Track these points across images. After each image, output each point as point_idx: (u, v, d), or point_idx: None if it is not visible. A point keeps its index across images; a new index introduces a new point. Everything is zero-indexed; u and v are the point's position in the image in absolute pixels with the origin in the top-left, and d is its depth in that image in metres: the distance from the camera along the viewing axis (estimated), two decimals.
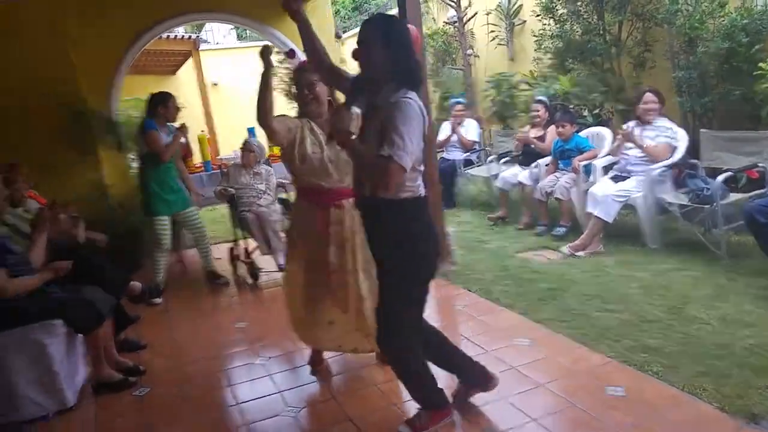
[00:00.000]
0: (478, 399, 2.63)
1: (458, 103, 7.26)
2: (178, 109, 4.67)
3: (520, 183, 5.81)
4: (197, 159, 8.09)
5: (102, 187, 5.58)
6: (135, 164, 5.42)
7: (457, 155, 7.09)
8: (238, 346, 3.61)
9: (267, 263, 4.82)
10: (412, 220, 2.23)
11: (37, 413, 2.85)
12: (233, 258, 5.11)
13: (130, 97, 7.55)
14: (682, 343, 2.98)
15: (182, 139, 4.75)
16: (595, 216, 4.63)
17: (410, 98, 2.08)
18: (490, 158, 6.74)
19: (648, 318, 3.32)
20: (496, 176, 6.29)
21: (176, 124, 4.70)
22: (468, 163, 7.10)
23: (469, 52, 8.98)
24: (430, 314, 3.65)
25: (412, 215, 2.24)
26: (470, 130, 7.16)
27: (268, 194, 4.97)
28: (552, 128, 5.76)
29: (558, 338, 3.24)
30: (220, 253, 5.46)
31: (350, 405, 2.75)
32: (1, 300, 2.80)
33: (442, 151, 7.35)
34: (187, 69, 11.67)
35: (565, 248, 4.77)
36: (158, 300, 4.53)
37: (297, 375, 3.15)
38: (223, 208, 5.20)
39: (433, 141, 4.54)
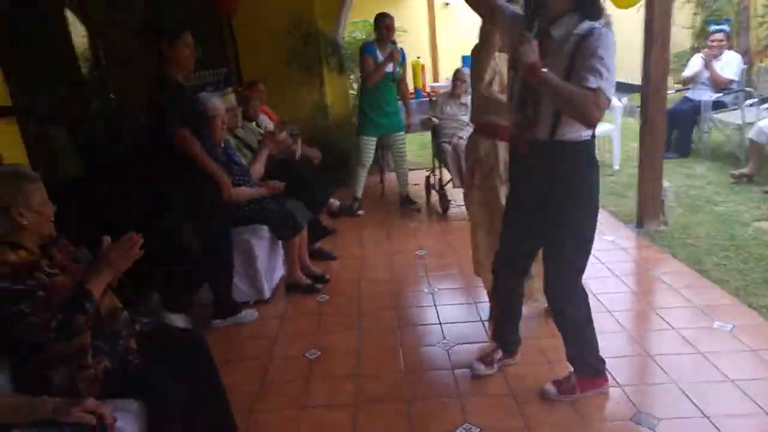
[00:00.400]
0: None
1: (719, 31, 6.06)
2: (389, 30, 4.75)
3: None
4: (410, 85, 8.21)
5: (323, 107, 5.96)
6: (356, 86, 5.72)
7: (705, 95, 6.01)
8: (416, 273, 3.75)
9: (458, 196, 4.84)
10: (591, 163, 2.08)
11: (241, 298, 3.39)
12: (428, 186, 5.22)
13: (359, 19, 7.88)
14: None
15: (391, 65, 4.78)
16: None
17: (608, 28, 1.91)
18: (749, 102, 5.59)
19: None
20: (751, 125, 5.23)
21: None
22: (719, 105, 5.99)
23: None
24: (622, 277, 3.40)
25: (591, 158, 2.08)
26: (729, 65, 5.97)
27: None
28: None
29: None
30: (418, 179, 5.62)
31: None
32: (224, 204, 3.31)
33: (687, 89, 6.34)
34: None
35: None
36: (360, 212, 4.95)
37: (460, 311, 3.19)
38: (429, 136, 5.27)
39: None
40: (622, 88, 9.91)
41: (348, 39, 6.62)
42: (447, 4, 11.62)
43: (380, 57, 4.72)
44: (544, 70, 1.86)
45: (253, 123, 4.66)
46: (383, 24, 4.70)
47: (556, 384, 2.35)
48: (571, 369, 2.36)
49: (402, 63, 4.93)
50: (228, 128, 3.85)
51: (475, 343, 2.83)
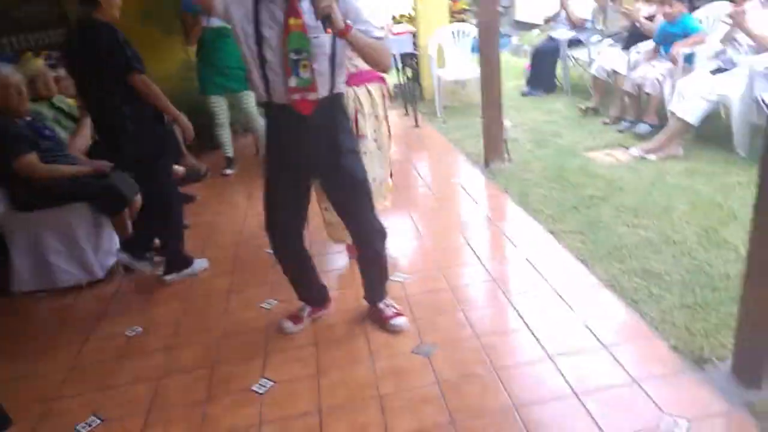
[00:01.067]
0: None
1: None
2: None
3: (613, 71, 4.98)
4: None
5: (192, 65, 5.35)
6: None
7: (563, 34, 6.20)
8: (262, 234, 3.72)
9: None
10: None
11: (71, 281, 3.30)
12: None
13: None
14: (689, 270, 2.61)
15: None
16: (677, 116, 3.86)
17: None
18: (594, 38, 5.82)
19: (673, 239, 2.90)
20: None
21: None
22: (576, 43, 6.20)
23: None
24: (445, 212, 3.60)
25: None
26: (583, 4, 6.16)
27: None
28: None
29: (559, 254, 2.95)
30: None
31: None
32: (34, 183, 3.16)
33: (548, 28, 6.52)
34: None
35: (636, 149, 4.11)
36: (228, 171, 4.93)
37: None
38: None
39: None
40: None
41: None
42: None
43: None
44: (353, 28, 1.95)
45: None
46: None
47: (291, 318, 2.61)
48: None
49: None
50: (42, 97, 3.65)
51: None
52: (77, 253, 3.28)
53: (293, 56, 1.97)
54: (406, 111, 6.03)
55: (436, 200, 3.95)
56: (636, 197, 3.44)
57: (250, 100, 4.84)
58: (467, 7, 7.25)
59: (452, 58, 6.17)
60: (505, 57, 8.66)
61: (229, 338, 2.65)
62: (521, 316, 2.47)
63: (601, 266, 2.74)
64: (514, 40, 9.21)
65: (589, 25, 6.17)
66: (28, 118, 3.25)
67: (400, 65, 5.88)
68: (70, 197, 3.25)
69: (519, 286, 2.72)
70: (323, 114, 2.10)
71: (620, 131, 4.68)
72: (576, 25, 6.15)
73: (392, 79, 5.92)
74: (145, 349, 2.65)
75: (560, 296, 2.57)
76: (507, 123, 4.26)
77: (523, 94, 6.37)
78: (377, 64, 2.13)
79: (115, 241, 3.47)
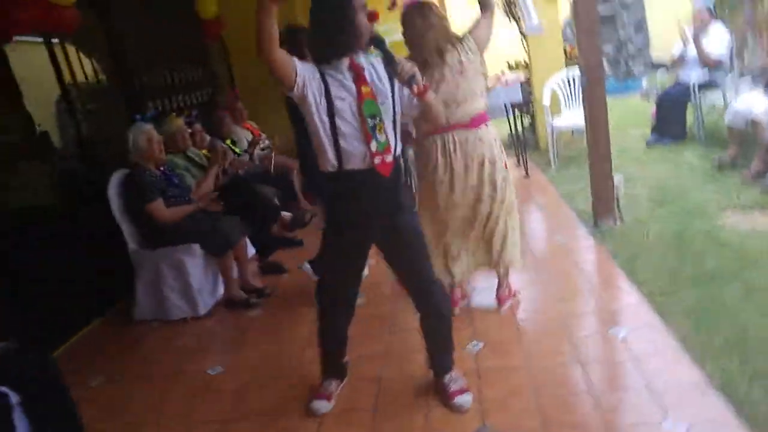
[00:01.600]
0: None
1: (700, 6, 5.71)
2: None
3: (754, 117, 4.44)
4: None
5: None
6: None
7: (693, 76, 5.68)
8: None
9: None
10: None
11: (179, 314, 3.62)
12: None
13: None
14: None
15: None
16: None
17: None
18: (731, 78, 5.28)
19: None
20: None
21: None
22: (710, 84, 5.65)
23: None
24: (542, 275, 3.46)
25: None
26: (716, 40, 5.59)
27: None
28: None
29: (663, 339, 2.58)
30: None
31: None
32: (159, 224, 3.54)
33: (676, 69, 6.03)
34: None
35: None
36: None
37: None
38: None
39: None
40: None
41: None
42: None
43: None
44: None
45: (228, 140, 4.91)
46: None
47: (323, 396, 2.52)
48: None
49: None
50: (179, 150, 4.09)
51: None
52: (187, 290, 3.58)
53: (370, 122, 2.06)
54: (518, 161, 5.87)
55: (534, 260, 3.74)
56: None
57: None
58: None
59: (567, 105, 5.94)
60: (635, 102, 8.20)
61: (296, 389, 2.69)
62: (602, 412, 2.18)
63: (714, 361, 2.31)
64: (645, 83, 8.66)
65: (724, 63, 5.60)
66: (162, 168, 3.66)
67: (511, 114, 5.76)
68: (185, 237, 3.59)
69: (606, 373, 2.46)
70: (395, 175, 2.17)
71: (765, 189, 4.12)
72: (708, 64, 5.60)
73: (504, 128, 5.85)
74: (220, 389, 2.81)
75: (653, 392, 2.21)
76: (619, 179, 3.96)
77: (649, 144, 5.90)
78: (438, 119, 2.29)
79: (220, 283, 3.73)
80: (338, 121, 2.05)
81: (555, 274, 3.51)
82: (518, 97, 5.61)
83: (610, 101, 3.98)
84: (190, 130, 4.31)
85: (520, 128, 5.82)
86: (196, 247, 3.58)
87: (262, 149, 5.21)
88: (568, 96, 5.99)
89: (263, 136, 5.55)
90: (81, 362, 3.30)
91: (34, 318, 3.34)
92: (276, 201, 4.49)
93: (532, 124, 6.82)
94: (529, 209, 4.82)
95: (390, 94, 2.12)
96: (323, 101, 2.04)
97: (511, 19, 7.41)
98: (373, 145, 2.07)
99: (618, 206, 4.01)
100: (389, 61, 2.05)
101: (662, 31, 8.45)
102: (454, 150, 2.79)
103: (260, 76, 5.23)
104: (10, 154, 4.13)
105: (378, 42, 2.10)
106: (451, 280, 3.04)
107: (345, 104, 2.04)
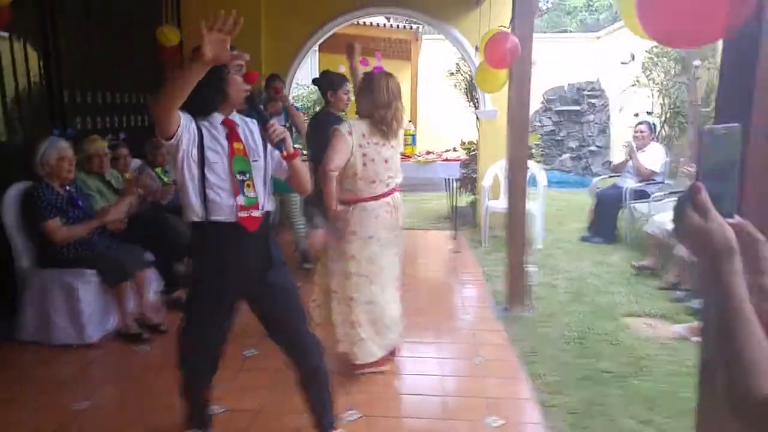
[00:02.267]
0: None
1: (643, 122, 6.14)
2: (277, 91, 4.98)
3: (670, 230, 4.65)
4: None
5: None
6: None
7: (629, 183, 5.98)
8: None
9: None
10: None
11: (64, 339, 3.40)
12: None
13: None
14: None
15: None
16: None
17: None
18: (656, 193, 5.56)
19: None
20: None
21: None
22: (642, 194, 5.94)
23: (696, 62, 7.40)
24: (431, 351, 3.45)
25: None
26: (652, 156, 5.96)
27: None
28: None
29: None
30: None
31: None
32: (51, 244, 3.37)
33: (618, 175, 6.34)
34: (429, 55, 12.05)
35: (682, 327, 3.70)
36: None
37: None
38: None
39: None
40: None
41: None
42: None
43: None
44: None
45: (159, 169, 4.80)
46: (272, 85, 4.92)
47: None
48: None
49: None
50: (95, 171, 3.96)
51: None
52: (75, 315, 3.39)
53: (239, 177, 2.11)
54: (454, 235, 5.95)
55: (434, 332, 3.74)
56: (659, 385, 2.99)
57: (297, 199, 4.98)
58: (538, 143, 7.25)
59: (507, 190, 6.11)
60: (582, 197, 8.52)
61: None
62: None
63: None
64: (596, 180, 9.04)
65: (658, 178, 5.92)
66: (68, 187, 3.52)
67: (450, 188, 5.90)
68: (80, 261, 3.43)
69: None
70: (263, 230, 2.20)
71: (673, 300, 4.26)
72: (642, 175, 5.92)
73: (443, 201, 5.97)
74: (81, 427, 2.62)
75: None
76: (532, 269, 4.04)
77: (583, 239, 6.11)
78: (304, 184, 2.28)
79: (112, 314, 3.56)
80: (207, 172, 2.07)
81: (450, 352, 3.50)
82: (456, 173, 5.77)
83: (563, 193, 4.12)
84: (113, 154, 4.19)
85: (456, 203, 5.94)
86: (91, 273, 3.42)
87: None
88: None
89: None
90: None
91: None
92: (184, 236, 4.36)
93: (474, 203, 6.97)
94: (449, 283, 4.84)
95: (263, 154, 2.19)
96: (194, 151, 2.05)
97: (470, 101, 7.73)
98: (240, 199, 2.10)
99: (530, 295, 4.07)
100: (261, 122, 2.13)
101: (622, 136, 8.94)
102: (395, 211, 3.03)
103: None
104: None
105: (252, 102, 2.18)
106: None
107: (217, 157, 2.08)
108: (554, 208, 8.03)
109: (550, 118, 11.70)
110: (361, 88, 3.06)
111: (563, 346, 3.50)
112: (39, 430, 2.60)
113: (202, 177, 2.07)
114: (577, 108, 11.27)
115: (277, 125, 2.10)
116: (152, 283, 3.86)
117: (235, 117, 2.18)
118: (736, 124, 0.92)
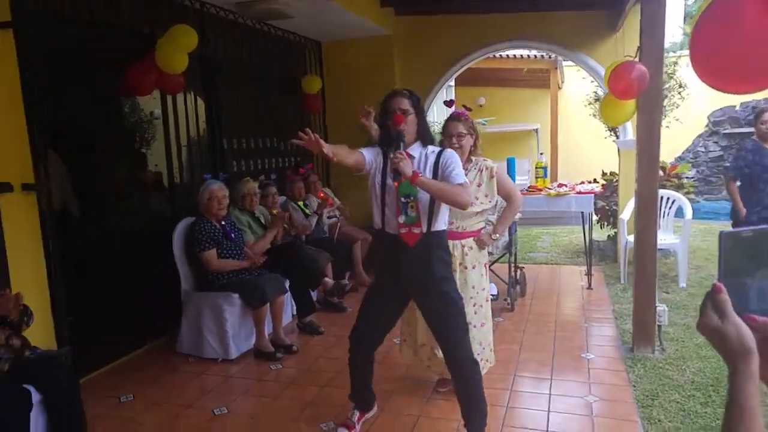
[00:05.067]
0: None
1: None
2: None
3: None
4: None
5: None
6: None
7: None
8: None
9: None
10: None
11: (212, 354, 3.96)
12: None
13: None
14: None
15: None
16: None
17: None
18: None
19: None
20: None
21: None
22: None
23: None
24: (543, 388, 3.43)
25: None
26: None
27: None
28: None
29: None
30: None
31: None
32: (207, 271, 3.97)
33: None
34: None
35: None
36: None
37: None
38: None
39: None
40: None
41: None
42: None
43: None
44: (422, 175, 2.45)
45: (300, 203, 5.37)
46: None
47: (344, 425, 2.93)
48: None
49: None
50: (246, 208, 4.55)
51: None
52: (222, 333, 3.92)
53: (403, 200, 2.56)
54: (588, 270, 5.73)
55: (552, 369, 3.67)
56: None
57: None
58: (689, 174, 6.72)
59: None
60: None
61: None
62: None
63: None
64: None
65: None
66: (223, 222, 4.11)
67: (586, 223, 5.71)
68: (228, 286, 3.97)
69: None
70: (423, 245, 2.57)
71: None
72: None
73: (580, 235, 5.75)
74: (222, 429, 3.07)
75: None
76: (662, 307, 3.79)
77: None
78: (452, 203, 2.53)
79: (252, 334, 4.05)
80: (387, 194, 2.59)
81: (565, 389, 3.41)
82: (590, 207, 5.57)
83: (725, 226, 3.88)
84: (263, 192, 4.76)
85: (590, 238, 5.73)
86: (235, 297, 3.94)
87: (329, 217, 5.60)
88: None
89: (336, 204, 5.95)
90: (122, 379, 3.72)
91: (99, 329, 3.89)
92: (324, 266, 4.78)
93: (614, 237, 6.64)
94: (576, 321, 4.69)
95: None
96: (379, 176, 2.61)
97: (610, 130, 7.42)
98: (402, 218, 2.56)
99: (659, 335, 3.82)
100: (396, 148, 2.49)
101: None
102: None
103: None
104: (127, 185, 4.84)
105: (398, 138, 2.53)
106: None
107: (392, 182, 2.53)
108: (709, 242, 7.34)
109: (716, 142, 10.68)
110: None
111: (690, 392, 3.25)
112: (185, 426, 3.08)
113: (383, 197, 2.60)
114: (751, 130, 10.12)
115: (399, 156, 2.41)
116: (286, 309, 4.30)
117: (415, 149, 2.60)
118: (765, 227, 0.87)
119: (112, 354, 4.01)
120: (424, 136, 2.65)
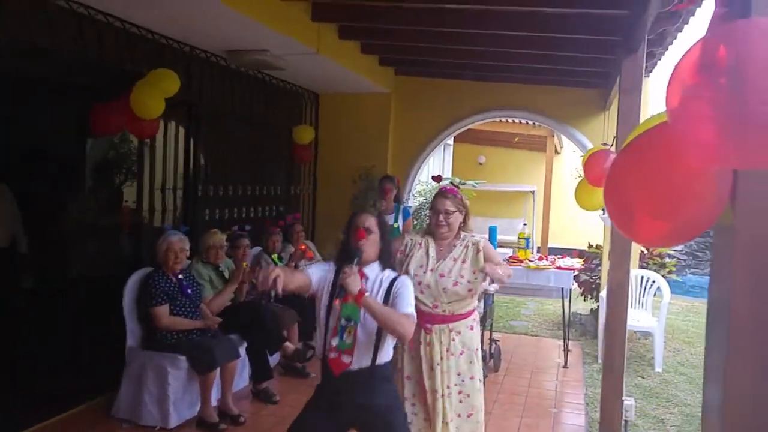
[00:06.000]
0: None
1: None
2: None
3: None
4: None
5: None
6: None
7: None
8: None
9: None
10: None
11: (150, 422, 3.68)
12: None
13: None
14: None
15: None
16: None
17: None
18: None
19: None
20: None
21: None
22: None
23: None
24: None
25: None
26: None
27: None
28: None
29: None
30: None
31: None
32: (156, 328, 3.77)
33: None
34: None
35: None
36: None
37: None
38: None
39: None
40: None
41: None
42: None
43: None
44: (368, 295, 2.28)
45: (275, 255, 5.21)
46: (382, 186, 5.14)
47: None
48: None
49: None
50: (212, 262, 4.38)
51: None
52: (163, 398, 3.68)
53: (343, 322, 2.33)
54: (565, 347, 5.52)
55: None
56: None
57: None
58: (670, 252, 6.58)
59: (633, 304, 5.57)
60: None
61: None
62: None
63: None
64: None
65: None
66: (180, 276, 3.94)
67: (567, 298, 5.53)
68: (175, 347, 3.75)
69: None
70: (359, 380, 2.34)
71: None
72: None
73: (556, 308, 5.57)
74: None
75: None
76: (629, 401, 3.57)
77: None
78: (392, 331, 2.32)
79: (197, 402, 3.81)
80: (331, 317, 2.39)
81: None
82: (568, 284, 5.42)
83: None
84: (234, 244, 4.60)
85: (568, 314, 5.55)
86: (183, 359, 3.71)
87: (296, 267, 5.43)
88: (636, 296, 5.68)
89: (316, 258, 5.79)
90: None
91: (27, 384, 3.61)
92: (288, 327, 4.57)
93: (597, 311, 6.44)
94: (543, 405, 4.45)
95: None
96: (326, 297, 2.42)
97: None
98: (335, 341, 2.32)
99: (626, 428, 3.59)
100: (350, 262, 2.34)
101: None
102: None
103: (339, 203, 5.63)
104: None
105: (354, 254, 2.40)
106: None
107: (338, 303, 2.34)
108: (690, 323, 7.12)
109: None
110: None
111: None
112: None
113: (327, 320, 2.40)
114: None
115: (348, 271, 2.25)
116: (241, 372, 4.07)
117: (372, 269, 2.46)
118: None
119: (43, 412, 3.69)
120: (384, 259, 2.53)
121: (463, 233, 2.99)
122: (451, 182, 3.17)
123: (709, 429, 1.11)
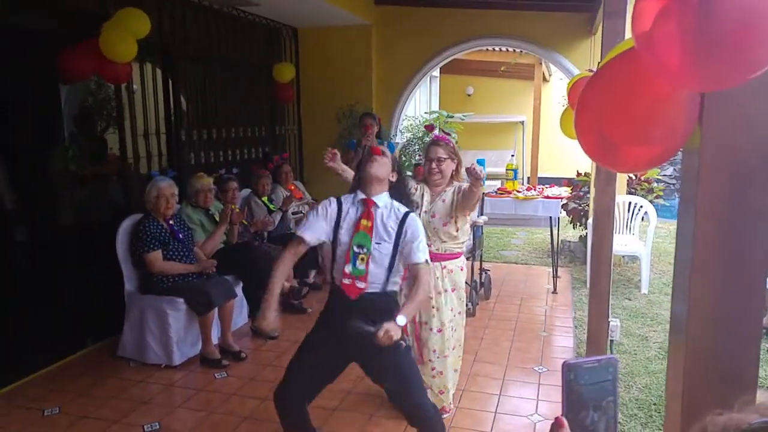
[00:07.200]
0: None
1: None
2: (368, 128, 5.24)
3: None
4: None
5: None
6: None
7: None
8: None
9: None
10: None
11: (154, 360, 3.83)
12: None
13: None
14: None
15: None
16: None
17: None
18: None
19: None
20: None
21: None
22: None
23: None
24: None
25: None
26: None
27: None
28: None
29: None
30: None
31: None
32: (153, 273, 3.83)
33: None
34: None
35: None
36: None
37: None
38: None
39: None
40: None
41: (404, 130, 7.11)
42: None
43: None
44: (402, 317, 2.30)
45: (264, 198, 5.23)
46: (363, 122, 5.11)
47: None
48: None
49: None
50: (201, 206, 4.40)
51: None
52: (165, 338, 3.80)
53: (355, 249, 2.43)
54: (554, 273, 5.66)
55: (499, 386, 3.61)
56: None
57: None
58: (658, 177, 6.64)
59: (621, 230, 5.68)
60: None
61: None
62: None
63: None
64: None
65: None
66: (171, 222, 3.96)
67: (554, 226, 5.63)
68: (173, 290, 3.83)
69: None
70: (371, 305, 2.40)
71: None
72: None
73: (546, 237, 5.67)
74: None
75: None
76: (615, 322, 3.72)
77: None
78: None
79: (199, 341, 3.93)
80: (338, 248, 2.48)
81: (512, 407, 3.36)
82: (556, 212, 5.50)
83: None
84: (222, 187, 4.60)
85: (557, 242, 5.66)
86: (181, 302, 3.80)
87: (295, 213, 5.46)
88: (623, 221, 5.77)
89: (305, 198, 5.83)
90: (50, 389, 3.55)
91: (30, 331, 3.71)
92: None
93: (585, 238, 6.57)
94: (534, 329, 4.62)
95: (392, 240, 2.44)
96: (332, 233, 2.49)
97: None
98: (348, 267, 2.40)
99: (611, 350, 3.75)
100: (408, 206, 2.56)
101: None
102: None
103: (326, 141, 5.61)
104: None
105: (398, 190, 2.59)
106: None
107: (346, 235, 2.45)
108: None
109: None
110: None
111: (633, 411, 3.22)
112: None
113: (334, 251, 2.50)
114: None
115: (390, 331, 2.21)
116: (240, 311, 4.18)
117: (381, 199, 2.50)
118: (611, 357, 0.89)
119: (46, 358, 3.82)
120: (394, 193, 2.57)
121: (456, 182, 3.14)
122: (442, 130, 3.27)
123: (675, 343, 1.18)
